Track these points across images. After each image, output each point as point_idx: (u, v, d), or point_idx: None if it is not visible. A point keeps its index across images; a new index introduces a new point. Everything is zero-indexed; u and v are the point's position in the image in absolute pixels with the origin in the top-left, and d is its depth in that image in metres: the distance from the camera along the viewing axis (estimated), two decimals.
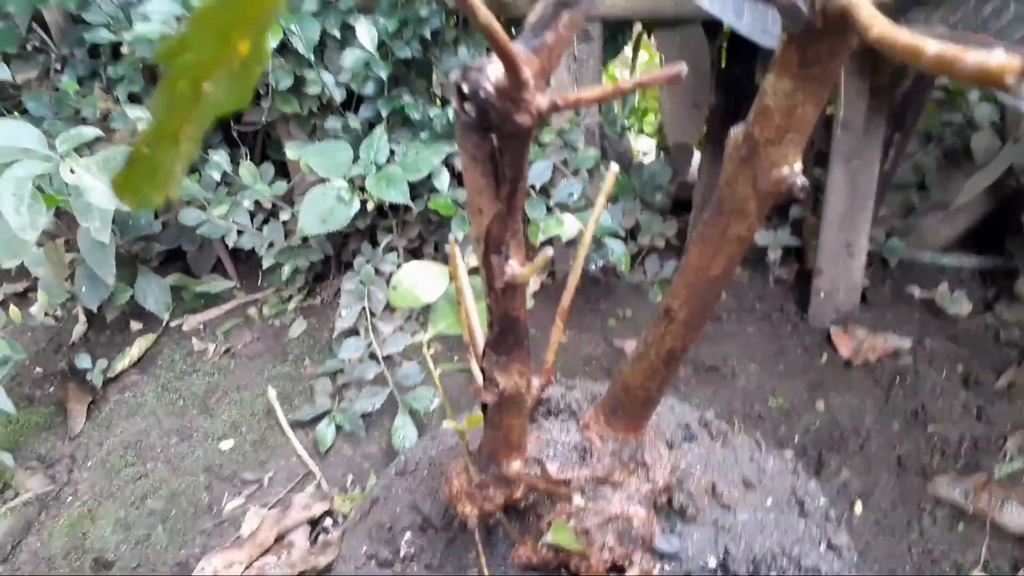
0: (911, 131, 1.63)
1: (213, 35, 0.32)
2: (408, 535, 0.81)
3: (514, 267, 0.57)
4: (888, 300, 1.77)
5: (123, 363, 1.71)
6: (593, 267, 1.72)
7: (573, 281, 0.67)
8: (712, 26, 1.72)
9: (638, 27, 2.01)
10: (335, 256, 1.88)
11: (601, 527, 0.72)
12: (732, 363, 1.62)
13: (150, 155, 0.34)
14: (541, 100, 0.47)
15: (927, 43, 0.31)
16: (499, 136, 0.50)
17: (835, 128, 1.51)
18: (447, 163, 1.57)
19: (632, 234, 1.82)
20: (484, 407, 0.67)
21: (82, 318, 1.86)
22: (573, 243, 1.69)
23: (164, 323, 1.84)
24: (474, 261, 0.78)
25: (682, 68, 0.45)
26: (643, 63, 2.82)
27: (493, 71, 0.46)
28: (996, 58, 0.26)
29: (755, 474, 0.86)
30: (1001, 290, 1.72)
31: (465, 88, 0.48)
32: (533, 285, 1.82)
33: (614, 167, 0.65)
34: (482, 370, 0.66)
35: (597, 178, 1.70)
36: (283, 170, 1.83)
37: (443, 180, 1.55)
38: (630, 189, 1.78)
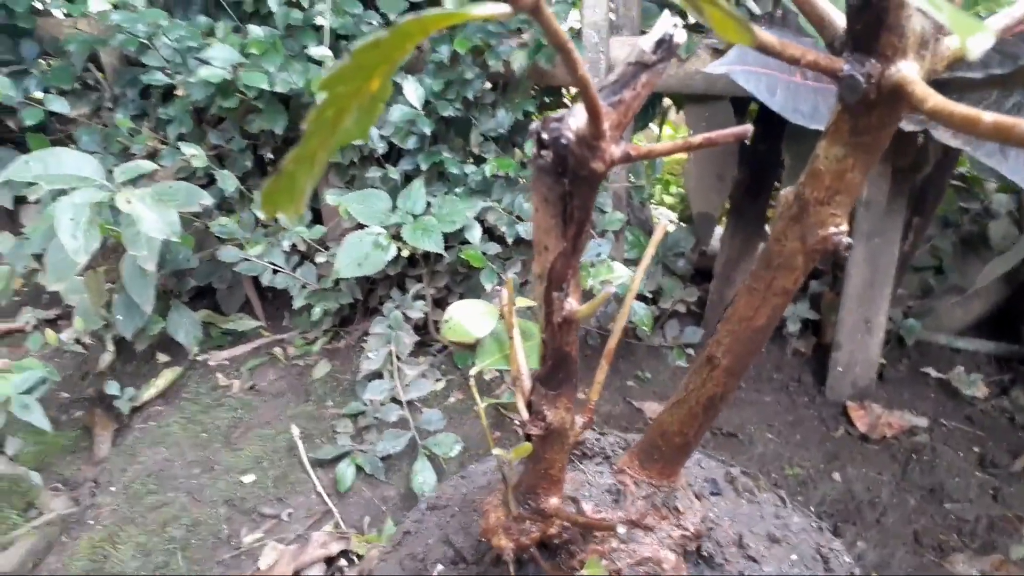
0: (931, 214, 1.68)
1: (361, 70, 0.37)
2: (440, 567, 0.83)
3: (572, 304, 0.61)
4: (904, 378, 1.80)
5: (149, 393, 1.73)
6: None
7: (620, 324, 0.71)
8: (740, 103, 1.80)
9: (666, 102, 2.09)
10: (362, 301, 1.92)
11: (632, 568, 0.74)
12: (750, 430, 1.64)
13: (292, 172, 0.38)
14: (615, 150, 0.52)
15: (983, 113, 0.35)
16: (572, 180, 0.54)
17: (858, 207, 1.56)
18: (479, 218, 1.63)
19: (654, 298, 1.86)
20: (528, 439, 0.70)
21: (111, 347, 1.89)
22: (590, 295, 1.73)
23: (191, 357, 1.88)
24: (521, 302, 0.82)
25: (748, 128, 0.50)
26: (666, 136, 2.91)
27: (574, 122, 0.51)
28: None
29: (780, 530, 0.88)
30: (1017, 376, 1.75)
31: (545, 136, 0.53)
32: None
33: (665, 220, 0.69)
34: (529, 404, 0.70)
35: (622, 240, 1.75)
36: (317, 216, 1.89)
37: (475, 233, 1.61)
38: (654, 255, 1.83)
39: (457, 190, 1.66)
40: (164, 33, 1.53)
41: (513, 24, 1.58)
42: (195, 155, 1.52)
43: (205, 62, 1.51)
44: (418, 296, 1.75)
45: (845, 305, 1.66)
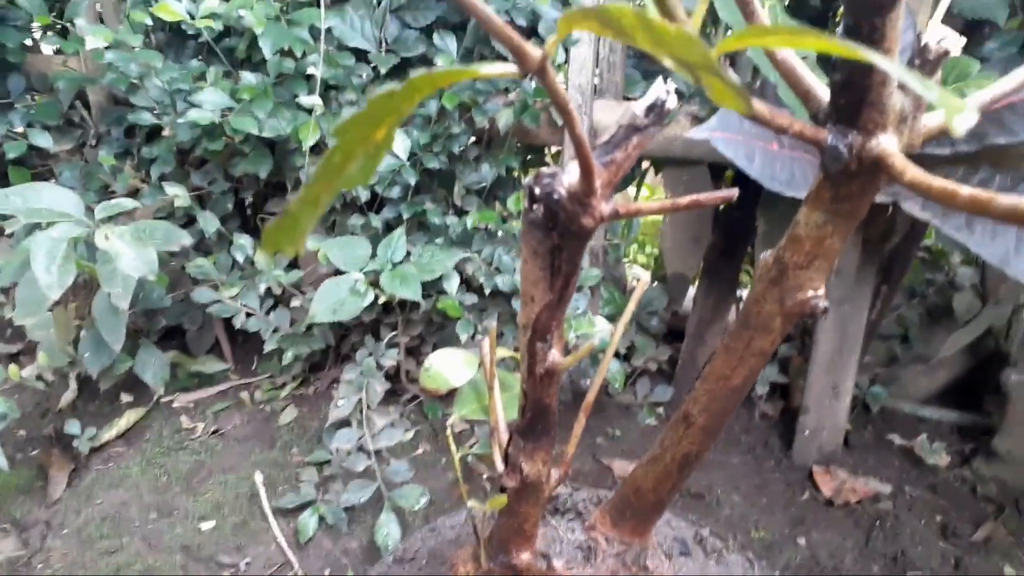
0: (898, 284, 1.73)
1: (372, 119, 0.38)
2: None
3: (555, 355, 0.62)
4: (870, 445, 1.82)
5: (110, 433, 1.69)
6: (586, 382, 1.76)
7: (599, 379, 0.72)
8: (717, 168, 1.85)
9: (645, 164, 2.14)
10: (334, 347, 1.91)
11: None
12: (717, 492, 1.64)
13: (296, 213, 0.39)
14: (605, 207, 0.53)
15: (960, 187, 0.37)
16: (561, 235, 0.55)
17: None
18: (458, 268, 1.64)
19: (626, 356, 1.88)
20: (503, 491, 0.70)
21: (73, 385, 1.85)
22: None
23: (155, 398, 1.84)
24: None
25: (734, 192, 0.52)
26: (643, 198, 2.97)
27: (566, 178, 0.53)
28: None
29: None
30: (979, 446, 1.78)
31: (537, 191, 0.54)
32: None
33: (645, 276, 0.71)
34: (505, 456, 0.70)
35: (598, 296, 1.77)
36: (294, 261, 1.89)
37: (453, 283, 1.62)
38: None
39: (438, 240, 1.67)
40: (156, 75, 1.55)
41: (501, 84, 1.63)
42: (179, 195, 1.52)
43: (195, 105, 1.53)
44: (391, 344, 1.74)
45: (813, 370, 1.69)
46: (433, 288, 1.65)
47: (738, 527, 1.56)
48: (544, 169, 0.54)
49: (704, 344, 1.92)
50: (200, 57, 1.71)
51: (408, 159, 1.58)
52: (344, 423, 1.62)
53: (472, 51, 1.69)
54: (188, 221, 1.76)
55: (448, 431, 0.77)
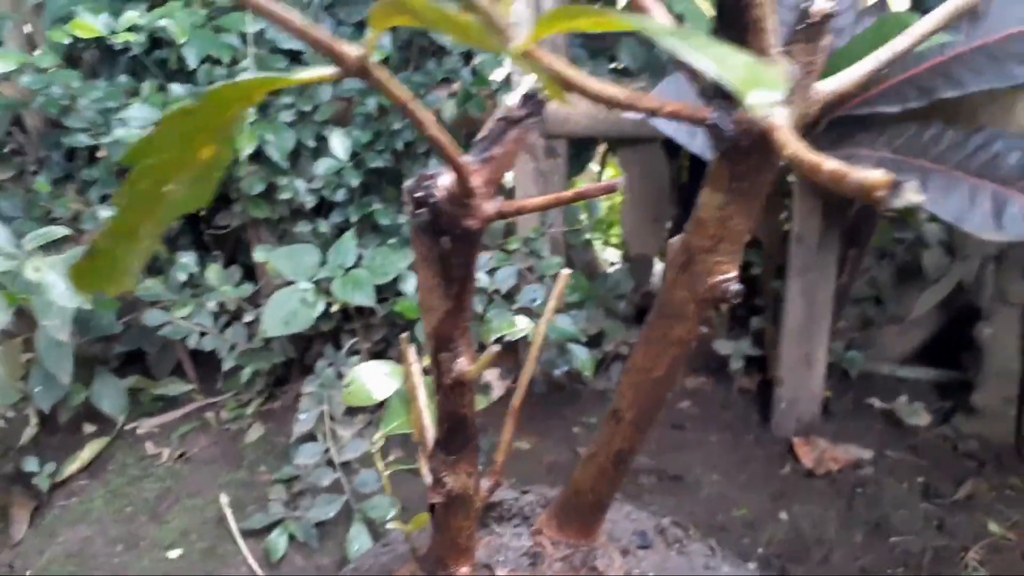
0: (865, 247, 1.70)
1: (177, 140, 0.34)
2: None
3: (462, 364, 0.58)
4: (849, 411, 1.79)
5: (73, 467, 1.65)
6: (557, 373, 1.73)
7: (524, 380, 0.68)
8: (672, 145, 1.81)
9: (604, 146, 2.11)
10: (298, 360, 1.87)
11: None
12: (696, 472, 1.62)
13: (109, 249, 0.35)
14: (488, 206, 0.50)
15: (826, 162, 0.34)
16: (449, 239, 0.52)
17: (791, 243, 1.57)
18: (413, 268, 1.60)
19: (597, 341, 1.84)
20: (432, 508, 0.67)
21: (33, 420, 1.81)
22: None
23: (119, 426, 1.80)
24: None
25: (618, 182, 0.49)
26: (608, 178, 2.93)
27: (444, 180, 0.49)
28: (872, 175, 0.29)
29: None
30: (958, 403, 1.76)
31: (418, 194, 0.51)
32: (498, 390, 1.82)
33: (565, 270, 0.67)
34: (431, 470, 0.67)
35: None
36: (251, 273, 1.85)
37: (409, 284, 1.58)
38: (595, 297, 1.82)
39: (391, 241, 1.63)
40: (79, 95, 1.50)
41: (439, 75, 1.58)
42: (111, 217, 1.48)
43: (123, 122, 1.48)
44: (353, 351, 1.70)
45: (784, 341, 1.66)
46: (390, 290, 1.62)
47: (718, 506, 1.54)
48: (426, 171, 0.51)
49: None
50: (134, 72, 1.66)
51: (350, 159, 1.54)
52: (309, 437, 1.58)
53: (410, 43, 1.65)
54: None
55: (376, 448, 0.73)
